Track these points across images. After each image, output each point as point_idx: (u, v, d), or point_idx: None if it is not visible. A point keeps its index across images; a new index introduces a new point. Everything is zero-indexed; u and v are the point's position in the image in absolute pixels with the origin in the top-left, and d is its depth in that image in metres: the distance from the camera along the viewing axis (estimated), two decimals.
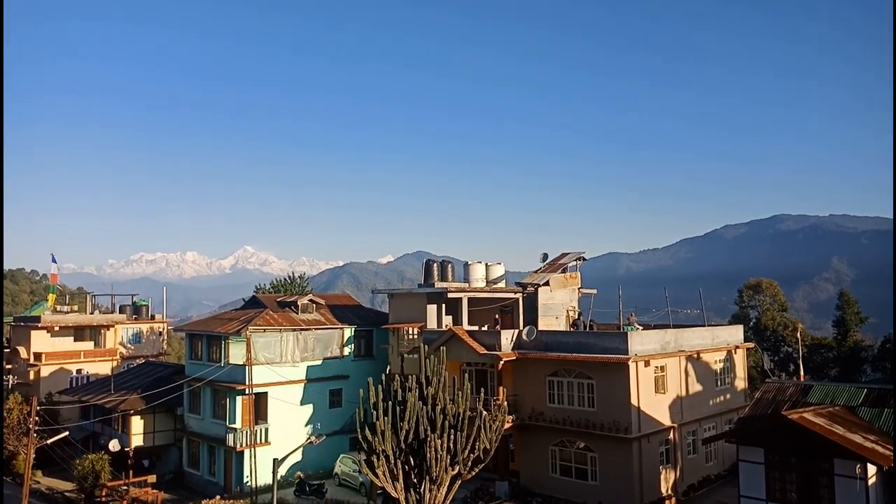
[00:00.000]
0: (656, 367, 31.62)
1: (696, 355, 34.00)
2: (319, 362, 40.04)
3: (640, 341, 30.86)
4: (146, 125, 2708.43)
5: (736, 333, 38.85)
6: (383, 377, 25.09)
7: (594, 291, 42.35)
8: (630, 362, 29.69)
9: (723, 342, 36.61)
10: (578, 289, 41.55)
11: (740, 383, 38.17)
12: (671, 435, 32.20)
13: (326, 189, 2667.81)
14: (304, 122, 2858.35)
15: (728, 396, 36.66)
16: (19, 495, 32.45)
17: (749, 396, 38.36)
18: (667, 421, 31.91)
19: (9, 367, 54.02)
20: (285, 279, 69.11)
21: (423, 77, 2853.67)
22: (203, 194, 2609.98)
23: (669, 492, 31.53)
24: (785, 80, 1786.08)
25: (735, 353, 37.44)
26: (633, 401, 29.85)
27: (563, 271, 41.20)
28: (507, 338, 33.54)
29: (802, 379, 37.40)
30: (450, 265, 41.19)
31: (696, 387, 34.08)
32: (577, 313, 40.58)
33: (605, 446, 30.47)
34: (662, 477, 31.44)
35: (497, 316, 39.11)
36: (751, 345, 41.12)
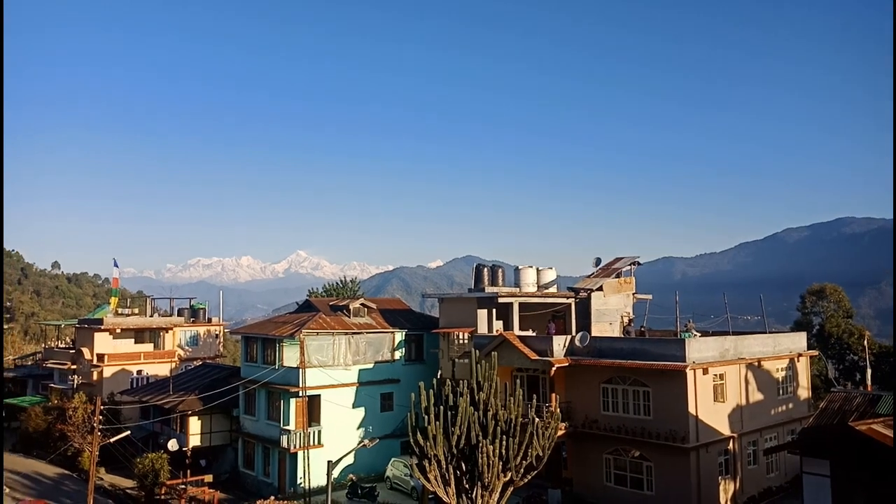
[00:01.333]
0: (715, 374, 30.73)
1: (756, 363, 32.95)
2: (371, 366, 40.28)
3: (698, 348, 30.04)
4: (202, 138, 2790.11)
5: (799, 341, 37.48)
6: (434, 381, 25.07)
7: (649, 297, 41.48)
8: (688, 370, 28.92)
9: (785, 350, 35.39)
10: (633, 294, 40.73)
11: (803, 392, 36.80)
12: (730, 445, 31.23)
13: (377, 195, 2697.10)
14: (353, 133, 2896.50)
15: (790, 406, 35.38)
16: (85, 491, 33.59)
17: (813, 406, 37.01)
18: (726, 430, 30.96)
19: (73, 367, 56.06)
20: (337, 283, 69.97)
21: (471, 89, 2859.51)
22: (258, 201, 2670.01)
23: (729, 503, 30.56)
24: (854, 75, 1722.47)
25: (798, 361, 36.13)
26: (691, 409, 29.06)
27: (617, 276, 40.48)
28: (559, 344, 33.09)
29: (870, 389, 35.78)
30: (500, 270, 40.93)
31: (756, 396, 32.99)
32: (628, 320, 39.81)
33: (662, 455, 29.73)
34: (721, 488, 30.50)
35: (551, 321, 38.64)
36: (814, 353, 39.67)
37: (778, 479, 33.62)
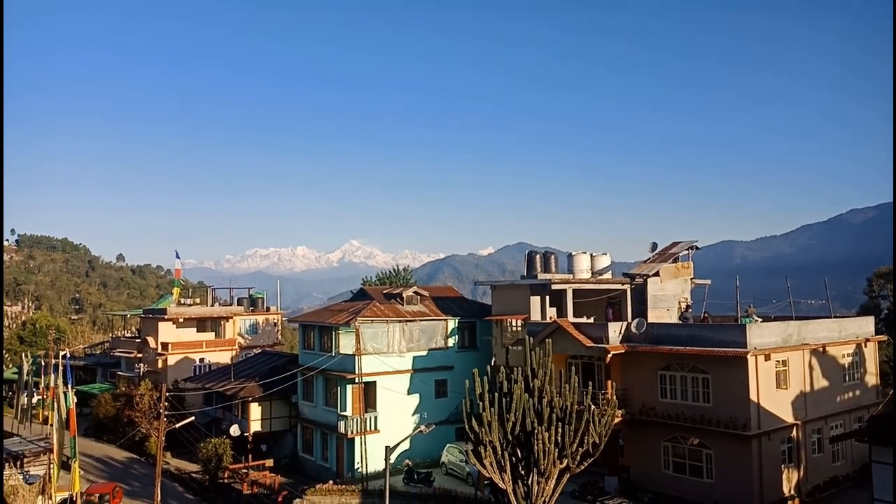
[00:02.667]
0: (777, 361, 29.89)
1: (821, 349, 31.89)
2: (425, 353, 40.61)
3: (760, 334, 29.25)
4: (257, 130, 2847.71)
5: (866, 325, 36.11)
6: (488, 368, 25.09)
7: (708, 282, 40.54)
8: (749, 356, 28.19)
9: (851, 335, 34.14)
10: (691, 279, 39.88)
11: (871, 379, 35.46)
12: (794, 433, 30.38)
13: (427, 184, 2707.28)
14: (404, 122, 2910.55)
15: (858, 393, 34.16)
16: (152, 474, 34.97)
17: (882, 393, 35.68)
18: (789, 418, 30.13)
19: (139, 355, 58.19)
20: (390, 272, 70.65)
21: (524, 81, 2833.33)
22: (312, 192, 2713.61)
23: (792, 492, 29.79)
24: None
25: (865, 346, 34.81)
26: (752, 396, 28.34)
27: (675, 261, 39.67)
28: (614, 330, 32.69)
29: None
30: (553, 256, 40.61)
31: (821, 382, 31.97)
32: (686, 305, 39.01)
33: (722, 443, 29.14)
34: (784, 476, 29.72)
35: (609, 308, 38.20)
36: (883, 337, 38.16)
37: (844, 468, 32.57)
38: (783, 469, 29.71)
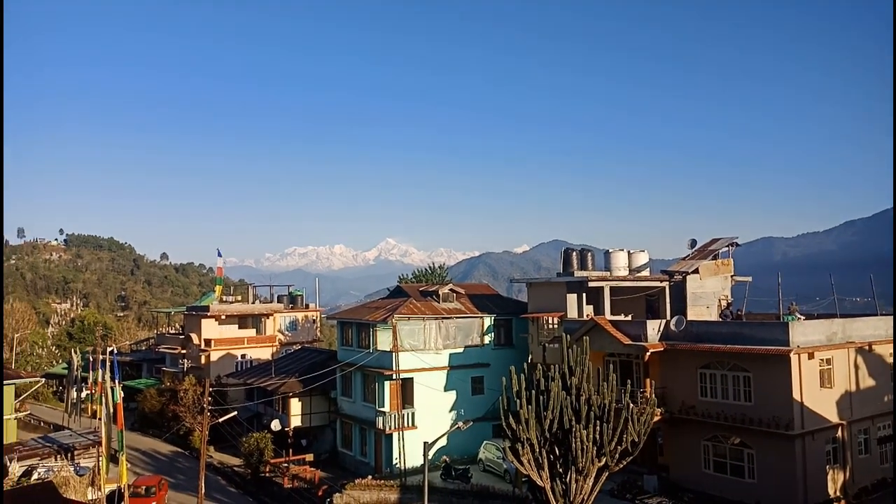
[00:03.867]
0: (821, 359, 29.30)
1: (867, 347, 31.11)
2: (461, 350, 40.77)
3: (803, 332, 28.70)
4: (298, 139, 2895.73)
5: None
6: (525, 366, 25.12)
7: (749, 279, 39.86)
8: (792, 354, 27.70)
9: None
10: (731, 276, 39.27)
11: None
12: (839, 433, 29.74)
13: (461, 183, 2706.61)
14: (428, 129, 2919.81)
15: None
16: (196, 468, 35.79)
17: None
18: (834, 417, 29.50)
19: (183, 351, 59.54)
20: (425, 269, 70.93)
21: (568, 72, 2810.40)
22: (348, 191, 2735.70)
23: (838, 493, 29.17)
24: None
25: None
26: (796, 395, 27.84)
27: (714, 258, 39.11)
28: (653, 328, 32.39)
29: None
30: (589, 253, 40.34)
31: (867, 381, 31.19)
32: (726, 303, 38.41)
33: (764, 443, 28.68)
34: (829, 477, 29.12)
35: (649, 305, 37.85)
36: None
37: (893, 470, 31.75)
38: (828, 470, 29.11)
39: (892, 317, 35.18)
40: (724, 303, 38.51)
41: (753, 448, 29.14)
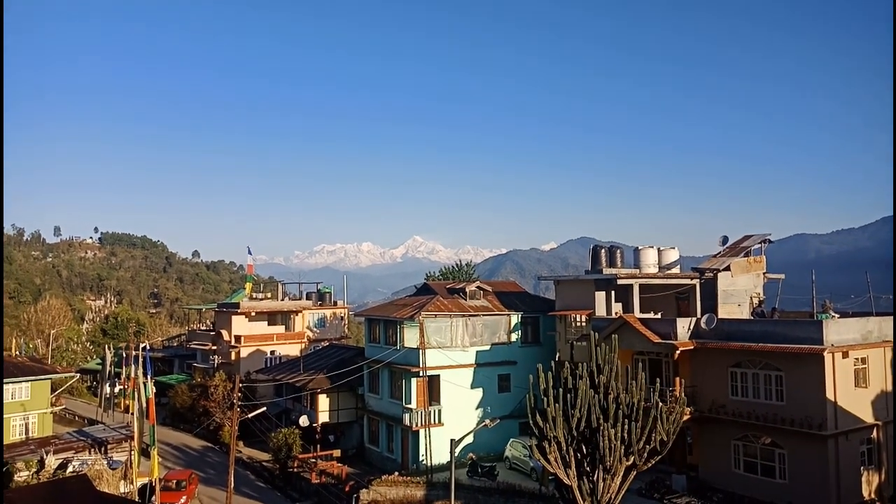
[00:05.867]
0: (856, 358, 28.67)
1: None
2: (488, 348, 40.70)
3: (838, 330, 28.10)
4: (325, 139, 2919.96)
5: None
6: (552, 364, 24.95)
7: (782, 276, 39.13)
8: (825, 353, 27.15)
9: None
10: (763, 274, 38.58)
11: None
12: (874, 433, 29.08)
13: (488, 181, 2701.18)
14: (461, 130, 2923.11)
15: None
16: (226, 462, 36.28)
17: None
18: (869, 418, 28.85)
19: (214, 347, 60.35)
20: (452, 267, 71.00)
21: (592, 73, 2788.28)
22: (376, 189, 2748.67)
23: (873, 496, 28.54)
24: None
25: None
26: (829, 395, 27.27)
27: (746, 255, 38.44)
28: (683, 326, 31.98)
29: None
30: (618, 251, 39.96)
31: None
32: (758, 301, 37.75)
33: (796, 443, 28.16)
34: (864, 479, 28.50)
35: (681, 303, 37.37)
36: None
37: None
38: (862, 471, 28.49)
39: None
40: (756, 301, 37.85)
41: (785, 448, 28.64)
